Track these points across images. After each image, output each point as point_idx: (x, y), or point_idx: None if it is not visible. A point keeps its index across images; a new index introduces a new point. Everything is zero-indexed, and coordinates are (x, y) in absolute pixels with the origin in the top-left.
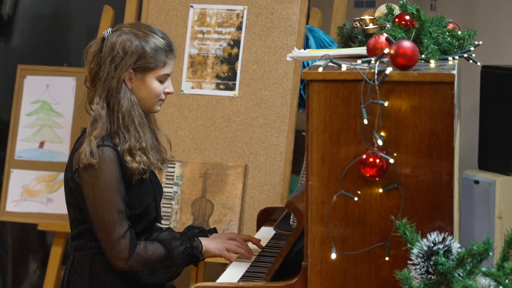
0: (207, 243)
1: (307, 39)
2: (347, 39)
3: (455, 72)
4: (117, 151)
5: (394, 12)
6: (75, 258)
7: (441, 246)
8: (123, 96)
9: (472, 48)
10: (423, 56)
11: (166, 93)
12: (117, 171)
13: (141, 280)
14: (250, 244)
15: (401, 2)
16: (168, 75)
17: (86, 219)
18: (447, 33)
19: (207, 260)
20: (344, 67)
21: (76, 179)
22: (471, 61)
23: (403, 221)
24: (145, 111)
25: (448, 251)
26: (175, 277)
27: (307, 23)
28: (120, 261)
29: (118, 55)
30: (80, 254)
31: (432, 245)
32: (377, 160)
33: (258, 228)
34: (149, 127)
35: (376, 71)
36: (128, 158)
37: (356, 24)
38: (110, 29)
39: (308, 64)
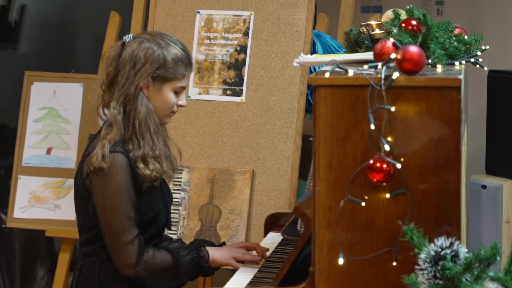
0: (214, 253)
1: (314, 44)
2: (353, 44)
3: (462, 77)
4: (128, 157)
5: (400, 17)
6: (84, 264)
7: (448, 251)
8: (141, 103)
9: (479, 53)
10: (429, 61)
11: (179, 106)
12: (128, 177)
13: (147, 287)
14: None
15: (408, 7)
16: (184, 88)
17: (95, 225)
18: (454, 38)
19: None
20: (351, 73)
21: (86, 185)
22: (478, 65)
23: (411, 226)
24: None
25: (455, 256)
26: (181, 286)
27: (314, 28)
28: (127, 268)
29: (139, 61)
30: (89, 261)
31: (440, 250)
32: (384, 165)
33: (265, 234)
34: (163, 138)
35: (383, 76)
36: (141, 165)
37: (363, 29)
38: (131, 35)
39: (315, 70)
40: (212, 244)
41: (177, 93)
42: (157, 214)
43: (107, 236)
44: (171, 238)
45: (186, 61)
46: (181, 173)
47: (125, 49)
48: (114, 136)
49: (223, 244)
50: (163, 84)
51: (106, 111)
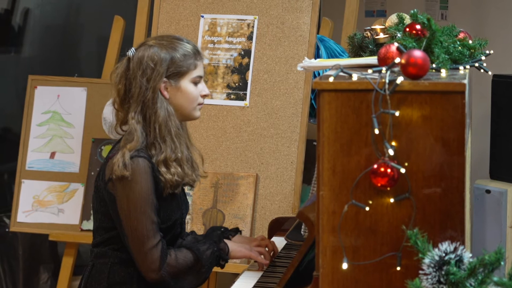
0: (233, 245)
1: (318, 48)
2: (358, 49)
3: (466, 81)
4: (151, 163)
5: (405, 21)
6: (95, 266)
7: (452, 256)
8: (160, 106)
9: (483, 57)
10: (434, 65)
11: (203, 96)
12: (151, 182)
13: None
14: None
15: (412, 11)
16: (201, 77)
17: (112, 228)
18: (458, 43)
19: (218, 270)
20: (355, 77)
21: (109, 189)
22: (482, 70)
23: (415, 231)
24: (186, 118)
25: (459, 260)
26: (204, 282)
27: (318, 32)
28: (152, 272)
29: (148, 67)
30: (100, 262)
31: (444, 254)
32: (388, 170)
33: (269, 238)
34: (185, 143)
35: (387, 81)
36: (163, 169)
37: (367, 34)
38: (133, 48)
39: (319, 74)
40: (225, 230)
41: (196, 83)
42: (174, 222)
43: (131, 242)
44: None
45: (193, 51)
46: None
47: (131, 62)
48: (134, 144)
49: (237, 229)
50: (179, 79)
51: (124, 127)
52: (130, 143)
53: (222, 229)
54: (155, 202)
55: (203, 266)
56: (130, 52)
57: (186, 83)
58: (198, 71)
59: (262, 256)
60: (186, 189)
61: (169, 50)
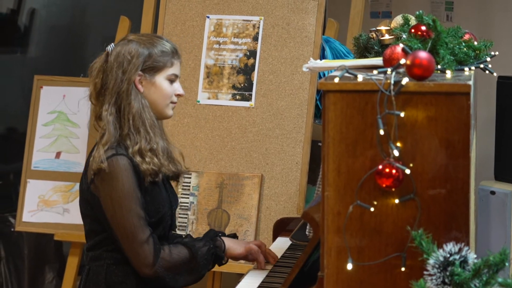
0: (229, 242)
1: (323, 49)
2: (363, 50)
3: (471, 82)
4: (131, 159)
5: (410, 22)
6: (91, 269)
7: (457, 257)
8: (134, 98)
9: (488, 59)
10: (439, 66)
11: (177, 95)
12: (133, 179)
13: (167, 284)
14: None
15: (417, 12)
16: (177, 76)
17: (102, 230)
18: (463, 44)
19: (223, 269)
20: (360, 78)
21: (92, 189)
22: (487, 71)
23: (419, 231)
24: (158, 115)
25: (464, 261)
26: (201, 279)
27: (323, 33)
28: (146, 268)
29: (125, 59)
30: (96, 265)
31: (448, 255)
32: (393, 171)
33: (274, 239)
34: (161, 136)
35: (392, 82)
36: (138, 159)
37: (372, 35)
38: (113, 44)
39: (324, 75)
40: (223, 234)
41: (171, 81)
42: (163, 216)
43: (121, 239)
44: (181, 236)
45: (171, 49)
46: (190, 177)
47: (109, 56)
48: (108, 138)
49: (234, 235)
50: (154, 74)
51: (100, 123)
52: (104, 138)
53: (220, 234)
54: (140, 198)
55: (199, 262)
56: (109, 47)
57: (161, 79)
58: (174, 69)
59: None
60: (191, 188)
61: (148, 45)
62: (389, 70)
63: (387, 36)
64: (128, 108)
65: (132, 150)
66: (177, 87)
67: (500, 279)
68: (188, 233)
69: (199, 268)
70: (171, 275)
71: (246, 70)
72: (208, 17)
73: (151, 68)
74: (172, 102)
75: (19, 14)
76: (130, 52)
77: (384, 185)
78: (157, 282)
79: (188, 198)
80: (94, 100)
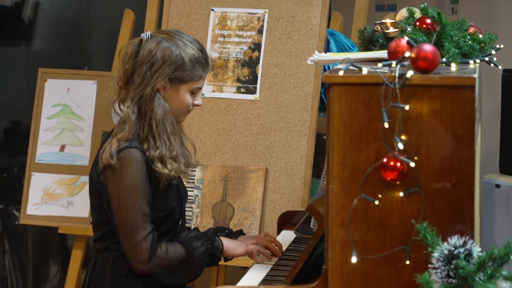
0: (228, 243)
1: (328, 42)
2: (368, 43)
3: (476, 75)
4: (144, 153)
5: (415, 15)
6: (97, 260)
7: (462, 250)
8: (157, 104)
9: (493, 52)
10: (444, 59)
11: (195, 105)
12: (143, 173)
13: (162, 281)
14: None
15: (422, 5)
16: (200, 88)
17: (109, 221)
18: (468, 37)
19: (227, 263)
20: (365, 71)
21: (101, 179)
22: (492, 64)
23: (424, 224)
24: None
25: (468, 255)
26: (196, 278)
27: (328, 26)
28: (140, 264)
29: (156, 62)
30: (103, 256)
31: (453, 249)
32: (398, 164)
33: (278, 232)
34: (180, 140)
35: (397, 75)
36: (159, 165)
37: (377, 28)
38: (149, 33)
39: (329, 68)
40: (229, 233)
41: (193, 93)
42: (172, 210)
43: (121, 232)
44: (189, 228)
45: (203, 62)
46: (194, 170)
47: (142, 47)
48: (125, 134)
49: (241, 232)
50: (180, 85)
51: (122, 106)
52: (121, 133)
53: (227, 231)
54: (147, 194)
55: (194, 262)
56: (145, 36)
57: (184, 91)
58: (200, 83)
59: (260, 256)
60: (196, 181)
61: (183, 53)
62: (393, 63)
63: (392, 29)
64: (151, 114)
65: (151, 154)
66: (197, 98)
67: (504, 272)
68: (194, 226)
69: (194, 268)
70: (166, 273)
71: (251, 63)
72: (212, 10)
73: (179, 79)
74: (188, 111)
75: (23, 7)
76: (163, 56)
77: (388, 178)
78: (151, 278)
79: (192, 191)
80: (123, 85)
